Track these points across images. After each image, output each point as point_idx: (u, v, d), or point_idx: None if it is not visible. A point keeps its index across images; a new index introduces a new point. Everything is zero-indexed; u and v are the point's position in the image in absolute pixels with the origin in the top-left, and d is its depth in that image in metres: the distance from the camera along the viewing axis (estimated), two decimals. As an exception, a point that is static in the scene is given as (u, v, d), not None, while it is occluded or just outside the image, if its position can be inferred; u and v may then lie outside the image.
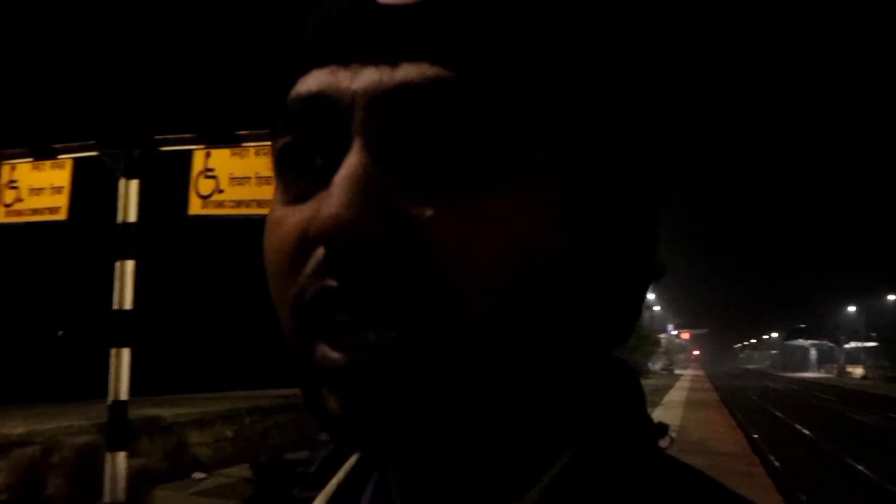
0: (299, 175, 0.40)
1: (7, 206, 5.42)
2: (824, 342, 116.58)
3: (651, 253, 0.44)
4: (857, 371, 73.32)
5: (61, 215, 5.25)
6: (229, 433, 9.28)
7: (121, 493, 5.01)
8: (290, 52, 0.43)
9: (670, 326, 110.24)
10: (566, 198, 0.39)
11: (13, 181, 5.40)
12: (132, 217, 5.02)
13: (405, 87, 0.36)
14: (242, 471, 8.92)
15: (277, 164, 0.42)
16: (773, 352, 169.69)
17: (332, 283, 0.36)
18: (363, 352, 0.35)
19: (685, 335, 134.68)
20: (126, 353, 4.98)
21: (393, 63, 0.37)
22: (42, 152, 5.33)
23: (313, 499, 0.50)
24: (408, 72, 0.36)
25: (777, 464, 11.20)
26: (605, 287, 0.42)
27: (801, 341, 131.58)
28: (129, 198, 5.02)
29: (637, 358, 41.13)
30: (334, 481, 0.50)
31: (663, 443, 0.44)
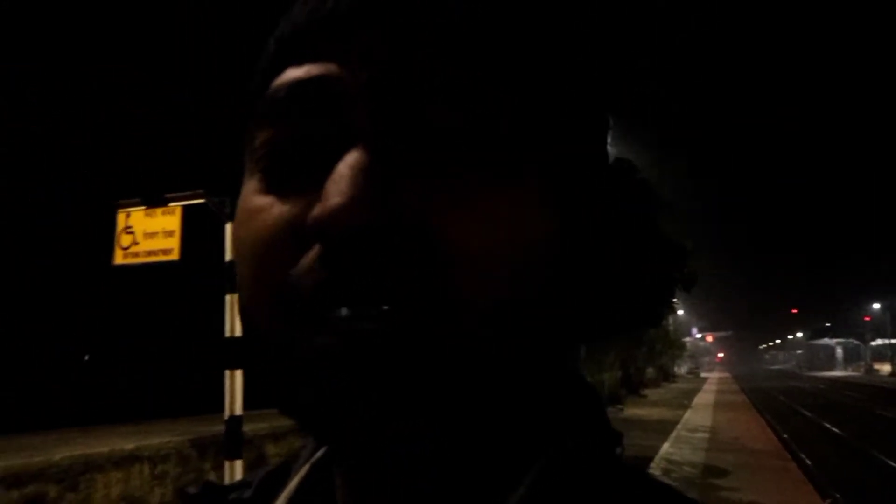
0: (283, 164, 0.39)
1: (124, 248, 6.19)
2: (850, 340, 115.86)
3: (644, 266, 0.53)
4: (885, 368, 73.05)
5: (174, 256, 5.99)
6: (298, 444, 10.08)
7: (238, 496, 5.76)
8: (277, 39, 0.41)
9: (694, 330, 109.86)
10: (554, 194, 0.40)
11: (129, 227, 6.17)
12: (238, 256, 5.77)
13: (408, 78, 0.36)
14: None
15: (256, 152, 0.40)
16: (799, 352, 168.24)
17: (333, 276, 0.35)
18: (359, 339, 0.34)
19: (710, 338, 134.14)
20: (238, 374, 5.74)
21: (393, 53, 0.37)
22: (155, 201, 6.10)
23: None
24: (410, 63, 0.36)
25: (808, 462, 11.52)
26: (588, 290, 0.42)
27: (826, 340, 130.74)
28: (235, 239, 5.78)
29: (664, 362, 41.44)
30: (280, 502, 0.47)
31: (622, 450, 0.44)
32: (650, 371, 35.00)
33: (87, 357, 11.06)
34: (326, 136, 0.37)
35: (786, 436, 15.09)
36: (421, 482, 0.40)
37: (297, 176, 0.38)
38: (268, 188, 0.39)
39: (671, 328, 44.28)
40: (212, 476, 8.05)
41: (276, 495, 0.48)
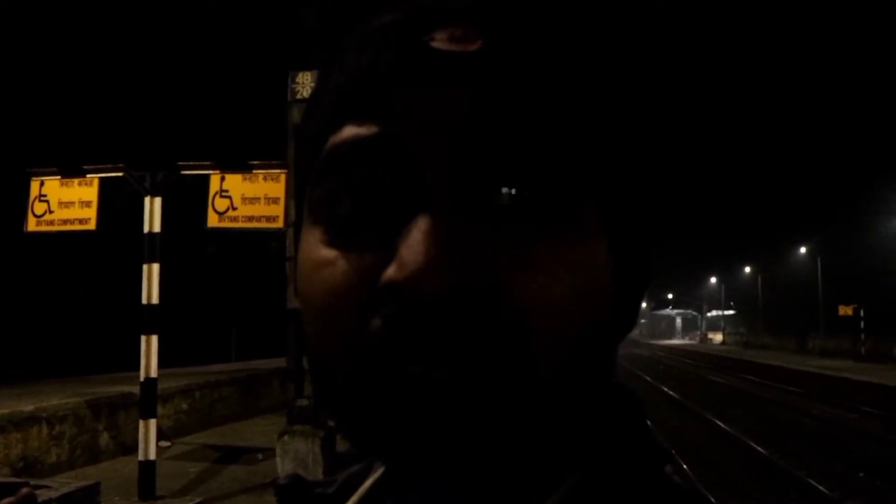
0: (346, 218, 0.40)
1: (38, 216, 6.31)
2: (689, 311, 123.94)
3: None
4: (717, 337, 78.83)
5: (91, 226, 6.18)
6: (185, 406, 10.37)
7: (152, 453, 6.11)
8: (335, 92, 0.42)
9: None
10: (610, 245, 0.41)
11: (43, 195, 6.28)
12: (156, 228, 6.07)
13: (478, 141, 0.37)
14: (197, 438, 10.02)
15: (318, 205, 0.41)
16: (643, 321, 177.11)
17: (406, 335, 0.36)
18: (430, 392, 0.36)
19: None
20: (154, 339, 6.02)
21: (461, 116, 0.37)
22: (72, 171, 6.24)
23: None
24: (481, 125, 0.37)
25: (648, 422, 12.81)
26: (626, 319, 0.46)
27: (667, 311, 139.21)
28: (154, 212, 6.06)
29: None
30: (353, 500, 0.50)
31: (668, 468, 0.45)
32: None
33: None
34: (392, 196, 0.38)
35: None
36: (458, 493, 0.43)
37: (360, 232, 0.39)
38: (331, 241, 0.40)
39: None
40: (105, 436, 8.26)
41: (354, 492, 0.51)
